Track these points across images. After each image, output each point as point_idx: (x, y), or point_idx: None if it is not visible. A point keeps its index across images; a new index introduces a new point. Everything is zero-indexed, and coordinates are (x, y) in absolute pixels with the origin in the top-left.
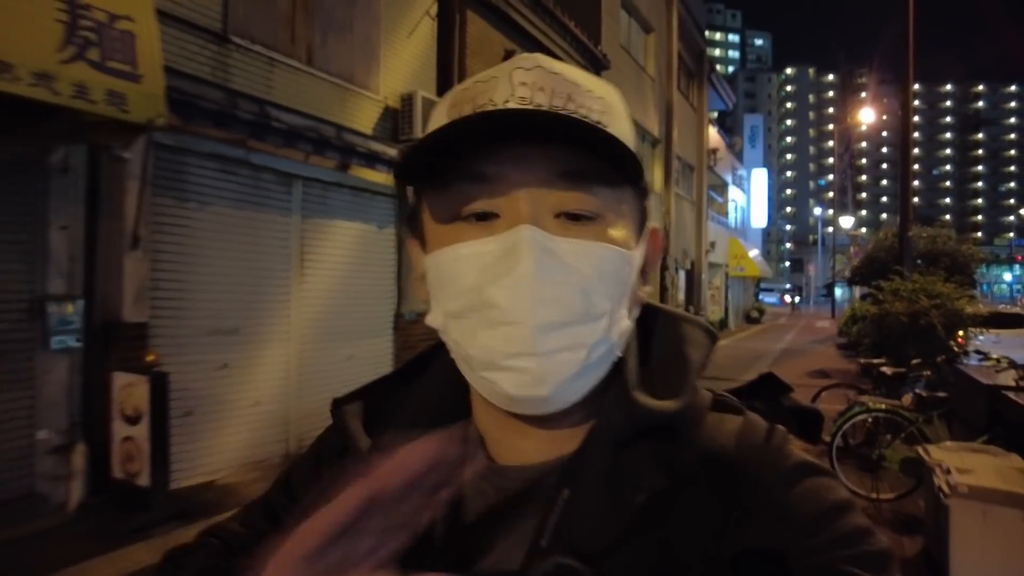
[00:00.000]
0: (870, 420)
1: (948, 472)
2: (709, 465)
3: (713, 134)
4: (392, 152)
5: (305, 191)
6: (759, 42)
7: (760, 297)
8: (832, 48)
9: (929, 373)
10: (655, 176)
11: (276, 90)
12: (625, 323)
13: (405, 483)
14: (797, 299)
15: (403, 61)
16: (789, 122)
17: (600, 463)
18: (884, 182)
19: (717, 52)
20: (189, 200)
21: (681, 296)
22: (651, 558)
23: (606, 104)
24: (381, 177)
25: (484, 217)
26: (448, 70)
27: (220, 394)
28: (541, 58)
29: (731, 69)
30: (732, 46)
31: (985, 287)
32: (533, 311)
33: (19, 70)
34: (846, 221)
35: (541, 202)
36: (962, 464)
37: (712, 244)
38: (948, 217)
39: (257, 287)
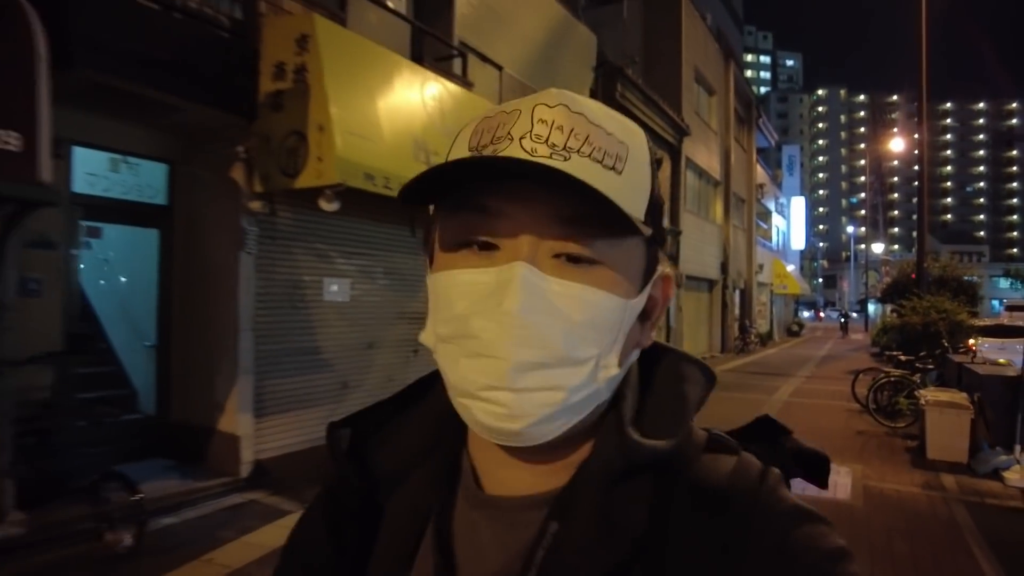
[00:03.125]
0: (890, 381)
1: (926, 398)
2: (701, 504)
3: (759, 170)
4: None
5: None
6: (790, 63)
7: (798, 312)
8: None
9: (932, 360)
10: (716, 211)
11: None
12: (614, 371)
13: None
14: (852, 314)
15: None
16: (821, 142)
17: (591, 499)
18: (916, 199)
19: (749, 73)
20: None
21: (737, 311)
22: None
23: (626, 149)
24: None
25: (486, 247)
26: None
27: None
28: (567, 95)
29: (763, 90)
30: (763, 67)
31: (996, 303)
32: (512, 348)
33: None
34: (878, 247)
35: (540, 242)
36: (934, 396)
37: (760, 266)
38: (982, 233)
39: None
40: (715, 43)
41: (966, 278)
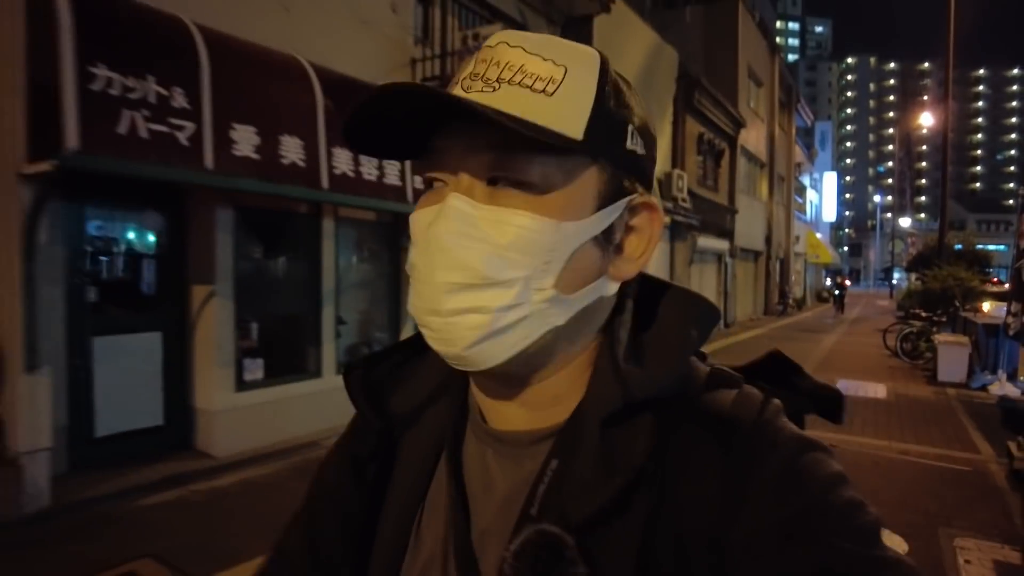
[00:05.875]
0: (913, 332)
1: (938, 339)
2: (701, 436)
3: (797, 149)
4: (666, 206)
5: None
6: (819, 29)
7: (833, 280)
8: (894, 35)
9: (946, 316)
10: (762, 190)
11: None
12: (549, 292)
13: None
14: (847, 282)
15: (660, 150)
16: (849, 111)
17: (589, 435)
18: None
19: (777, 40)
20: None
21: (777, 278)
22: (640, 532)
23: (563, 72)
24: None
25: (437, 184)
26: (675, 152)
27: None
28: (510, 33)
29: (791, 57)
30: (792, 34)
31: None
32: (437, 272)
33: None
34: (905, 221)
35: (475, 169)
36: (944, 338)
37: (797, 238)
38: (1011, 202)
39: None
40: (763, 39)
41: (980, 246)
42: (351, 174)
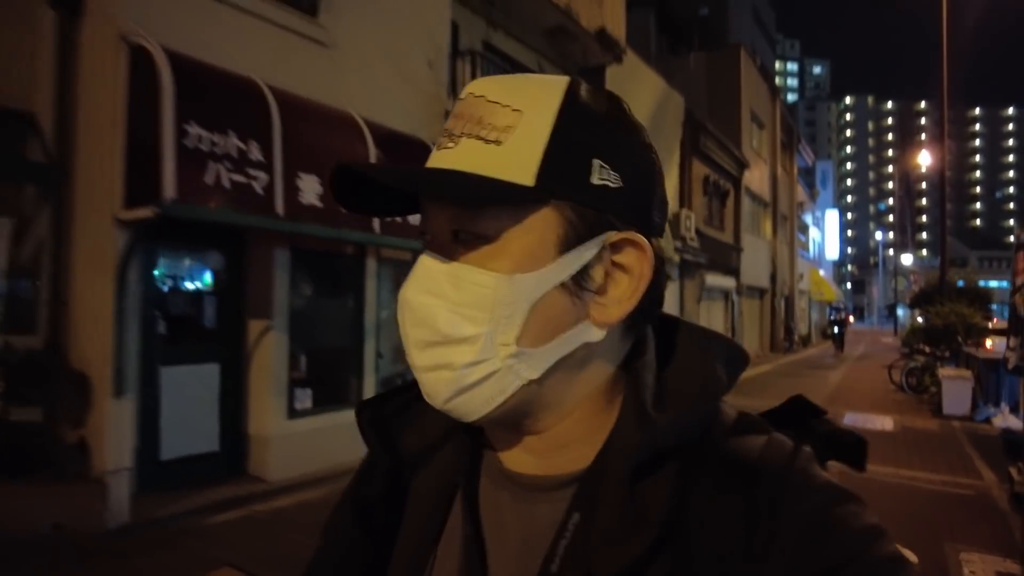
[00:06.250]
0: (918, 366)
1: (943, 374)
2: (728, 485)
3: (799, 188)
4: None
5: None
6: (817, 70)
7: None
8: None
9: (949, 351)
10: (766, 228)
11: None
12: (512, 348)
13: None
14: (851, 318)
15: (668, 190)
16: (848, 149)
17: (615, 487)
18: (947, 205)
19: (776, 81)
20: None
21: (783, 316)
22: None
23: (519, 116)
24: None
25: (425, 238)
26: (683, 193)
27: None
28: (479, 82)
29: (791, 97)
30: (791, 74)
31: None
32: (408, 330)
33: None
34: (907, 258)
35: (438, 227)
36: (948, 372)
37: (801, 275)
38: (1011, 239)
39: None
40: (764, 83)
41: (983, 283)
42: (399, 219)
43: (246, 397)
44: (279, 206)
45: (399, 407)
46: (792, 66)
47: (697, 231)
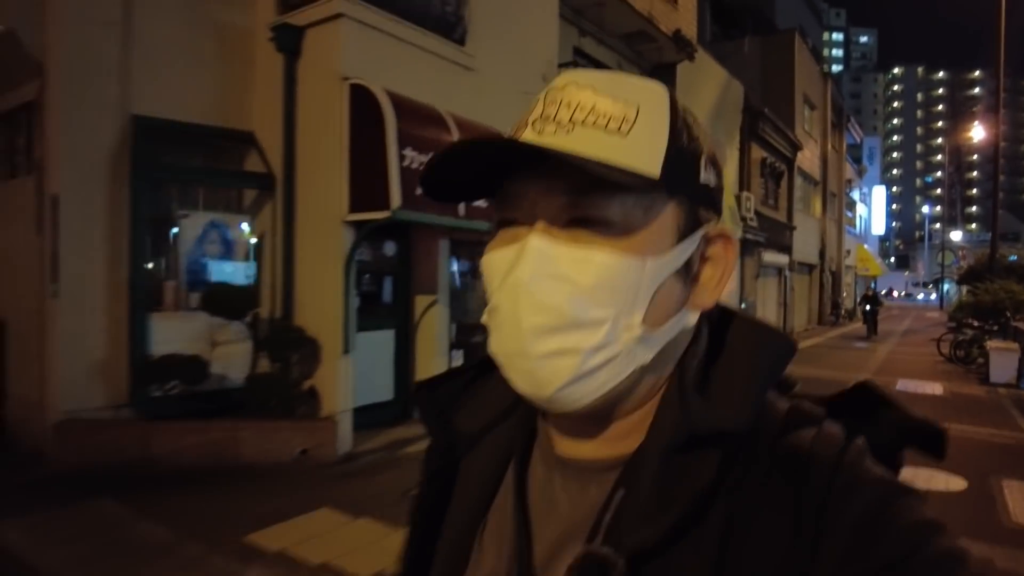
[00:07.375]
0: (967, 339)
1: (991, 345)
2: (776, 476)
3: (847, 166)
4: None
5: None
6: (864, 39)
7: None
8: (942, 43)
9: (997, 325)
10: (816, 207)
11: None
12: (637, 331)
13: None
14: (881, 298)
15: (728, 174)
16: (895, 121)
17: (650, 465)
18: (1000, 178)
19: (822, 53)
20: None
21: (830, 291)
22: (700, 569)
23: (635, 110)
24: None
25: (512, 225)
26: (742, 176)
27: None
28: (576, 73)
29: (836, 68)
30: (836, 44)
31: None
32: (523, 315)
33: None
34: (956, 234)
35: (554, 211)
36: (996, 344)
37: (847, 251)
38: None
39: None
40: (816, 64)
41: None
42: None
43: (413, 357)
44: (461, 209)
45: (455, 390)
46: (837, 36)
47: (755, 211)
